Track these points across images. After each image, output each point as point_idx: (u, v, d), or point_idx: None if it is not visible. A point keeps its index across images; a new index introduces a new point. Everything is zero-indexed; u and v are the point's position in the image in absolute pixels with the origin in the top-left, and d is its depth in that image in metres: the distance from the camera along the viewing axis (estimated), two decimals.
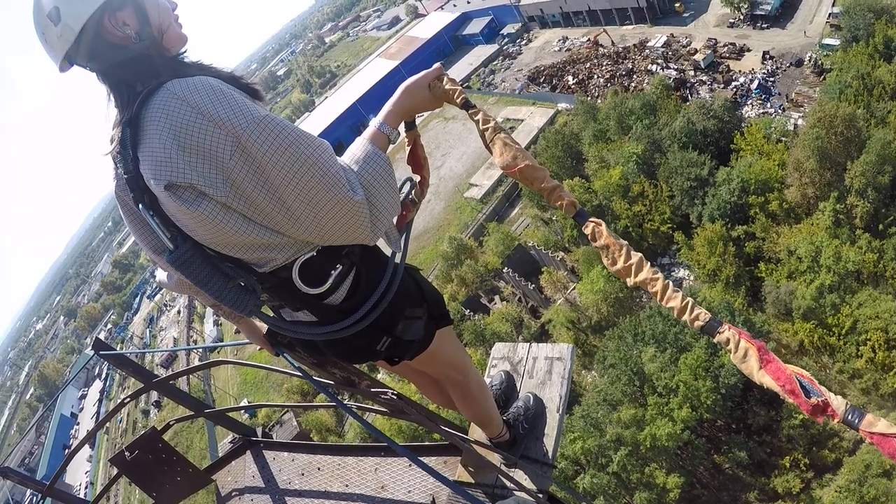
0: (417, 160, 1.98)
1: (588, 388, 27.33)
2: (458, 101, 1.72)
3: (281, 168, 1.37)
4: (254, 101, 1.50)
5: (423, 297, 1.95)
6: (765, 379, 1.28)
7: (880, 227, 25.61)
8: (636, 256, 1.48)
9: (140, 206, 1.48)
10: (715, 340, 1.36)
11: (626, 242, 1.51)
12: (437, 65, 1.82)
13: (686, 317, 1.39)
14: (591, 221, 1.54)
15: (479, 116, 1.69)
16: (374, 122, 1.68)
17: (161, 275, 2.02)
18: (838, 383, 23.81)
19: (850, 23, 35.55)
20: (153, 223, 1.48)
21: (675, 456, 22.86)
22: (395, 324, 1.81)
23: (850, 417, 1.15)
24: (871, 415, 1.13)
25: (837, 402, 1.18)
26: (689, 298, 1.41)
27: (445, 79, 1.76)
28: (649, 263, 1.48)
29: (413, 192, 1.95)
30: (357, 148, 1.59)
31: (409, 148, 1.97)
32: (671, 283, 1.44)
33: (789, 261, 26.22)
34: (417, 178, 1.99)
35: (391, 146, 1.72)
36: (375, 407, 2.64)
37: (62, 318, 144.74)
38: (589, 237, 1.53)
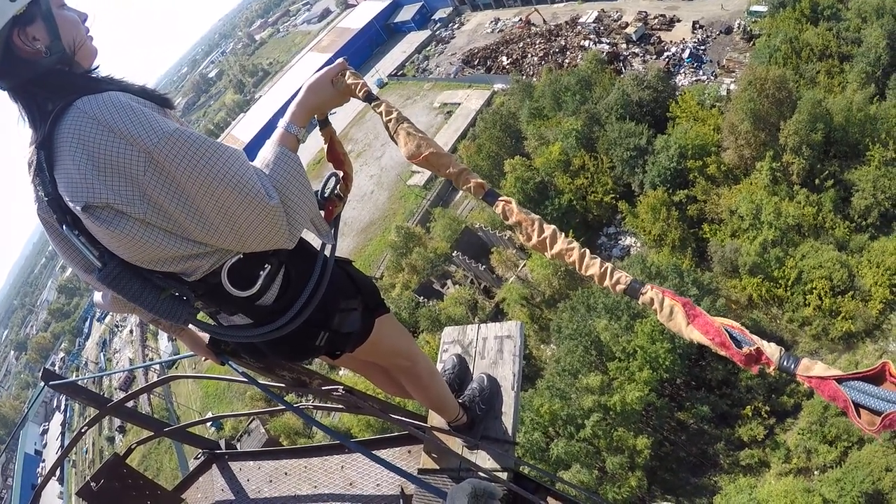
0: (337, 156, 1.99)
1: (548, 361, 27.77)
2: (360, 94, 1.74)
3: (195, 180, 1.37)
4: (164, 111, 1.49)
5: (356, 289, 1.96)
6: (694, 334, 1.25)
7: (816, 181, 26.66)
8: (550, 229, 1.48)
9: (64, 227, 1.46)
10: (639, 302, 1.34)
11: (538, 217, 1.51)
12: (339, 60, 1.82)
13: (607, 282, 1.38)
14: (501, 200, 1.54)
15: (382, 108, 1.69)
16: (282, 124, 1.68)
17: (97, 295, 1.99)
18: (789, 332, 24.88)
19: None
20: (79, 243, 1.46)
21: (642, 417, 23.57)
22: (331, 318, 1.83)
23: (785, 364, 1.11)
24: (807, 359, 1.11)
25: (771, 350, 1.13)
26: (607, 264, 1.39)
27: (348, 73, 1.77)
28: (563, 234, 1.48)
29: (338, 187, 1.95)
30: (267, 151, 1.58)
31: (325, 146, 1.97)
32: (588, 252, 1.44)
33: (731, 220, 27.18)
34: (341, 173, 1.99)
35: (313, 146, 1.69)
36: (332, 405, 2.64)
37: (12, 352, 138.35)
38: (501, 216, 1.53)
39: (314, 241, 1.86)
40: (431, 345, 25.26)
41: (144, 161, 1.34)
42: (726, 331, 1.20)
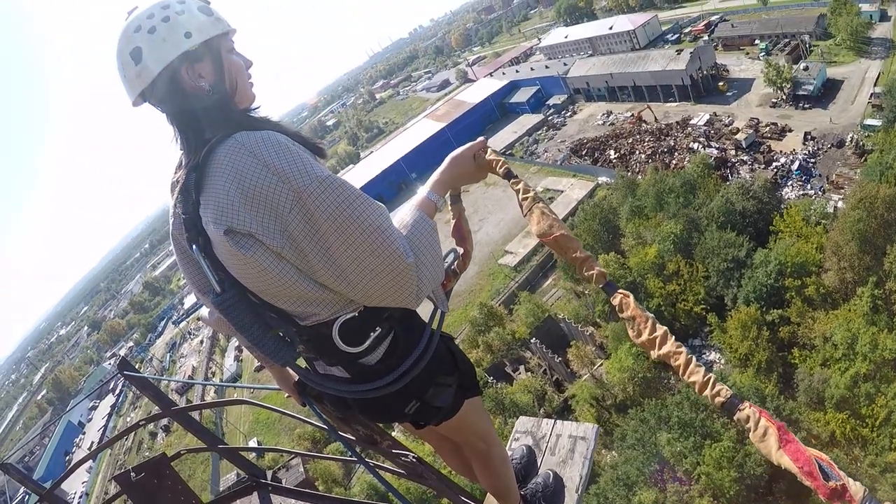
0: (461, 233, 2.06)
1: (606, 467, 26.44)
2: (500, 171, 1.84)
3: (337, 228, 1.42)
4: (317, 160, 1.55)
5: (455, 366, 1.95)
6: (783, 459, 1.27)
7: None
8: (661, 330, 1.52)
9: (194, 246, 1.53)
10: (735, 418, 1.38)
11: (651, 315, 1.55)
12: (480, 138, 1.93)
13: (707, 392, 1.41)
14: (620, 293, 1.59)
15: (520, 186, 1.80)
16: (423, 190, 1.76)
17: (203, 310, 2.06)
18: (869, 477, 22.43)
19: (892, 102, 35.66)
20: (204, 264, 1.53)
21: None
22: (426, 389, 1.82)
23: None
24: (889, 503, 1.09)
25: (856, 489, 1.16)
26: (711, 374, 1.43)
27: (489, 150, 1.88)
28: (673, 337, 1.51)
29: (456, 263, 2.03)
30: (406, 213, 1.64)
31: (453, 221, 2.05)
32: (694, 358, 1.47)
33: (824, 347, 25.31)
34: (461, 250, 2.06)
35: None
36: (390, 467, 2.57)
37: (86, 328, 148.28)
38: (617, 308, 1.58)
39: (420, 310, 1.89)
40: None
41: (292, 200, 1.40)
42: (816, 462, 1.23)
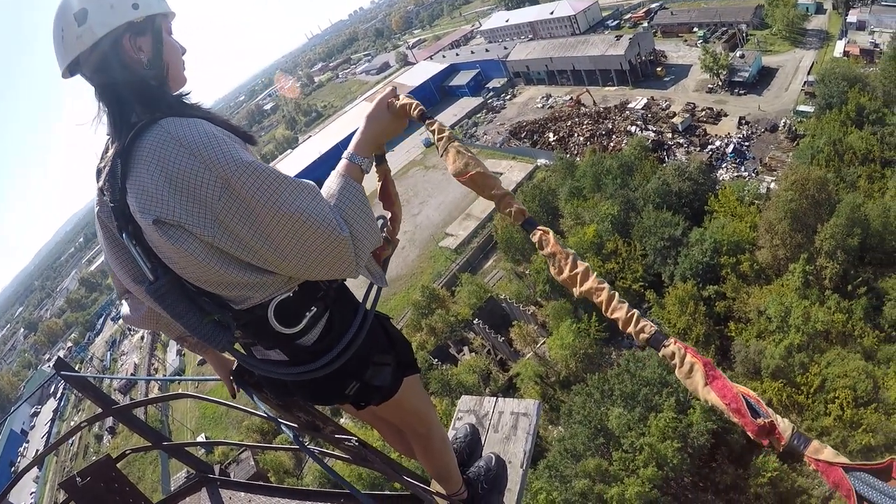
0: (388, 196, 2.02)
1: (553, 442, 27.11)
2: (415, 113, 1.79)
3: (270, 208, 1.40)
4: (245, 146, 1.53)
5: (391, 345, 1.96)
6: (710, 396, 1.26)
7: (849, 287, 26.16)
8: (582, 266, 1.50)
9: (124, 234, 1.50)
10: (660, 354, 1.36)
11: (573, 252, 1.53)
12: (389, 87, 1.89)
13: (631, 329, 1.39)
14: (539, 230, 1.59)
15: (435, 127, 1.78)
16: (346, 154, 1.71)
17: (125, 308, 1.97)
18: None
19: (824, 90, 37.44)
20: (135, 253, 1.50)
21: None
22: (364, 369, 1.83)
23: (795, 442, 1.12)
24: (818, 442, 1.11)
25: (784, 426, 1.15)
26: (634, 311, 1.40)
27: (401, 95, 1.83)
28: (595, 273, 1.48)
29: (385, 229, 1.97)
30: (332, 182, 1.61)
31: (379, 183, 2.01)
32: (617, 294, 1.44)
33: (759, 321, 26.63)
34: (389, 214, 2.01)
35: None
36: (337, 453, 2.59)
37: (22, 330, 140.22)
38: (537, 245, 1.57)
39: (356, 291, 1.87)
40: (437, 409, 24.80)
41: (220, 187, 1.37)
42: (744, 399, 1.21)
